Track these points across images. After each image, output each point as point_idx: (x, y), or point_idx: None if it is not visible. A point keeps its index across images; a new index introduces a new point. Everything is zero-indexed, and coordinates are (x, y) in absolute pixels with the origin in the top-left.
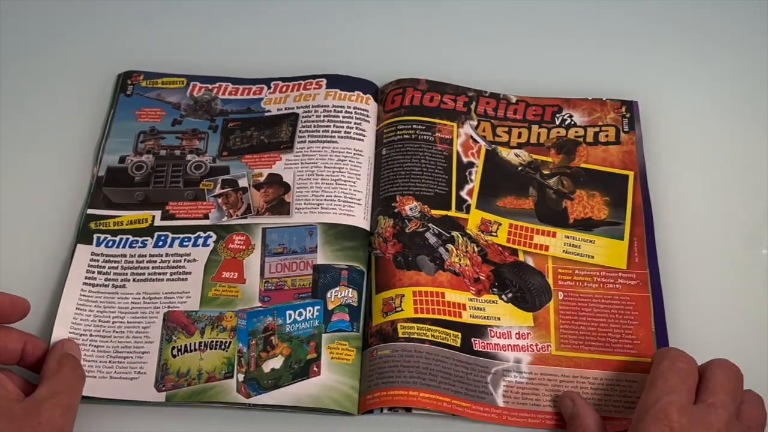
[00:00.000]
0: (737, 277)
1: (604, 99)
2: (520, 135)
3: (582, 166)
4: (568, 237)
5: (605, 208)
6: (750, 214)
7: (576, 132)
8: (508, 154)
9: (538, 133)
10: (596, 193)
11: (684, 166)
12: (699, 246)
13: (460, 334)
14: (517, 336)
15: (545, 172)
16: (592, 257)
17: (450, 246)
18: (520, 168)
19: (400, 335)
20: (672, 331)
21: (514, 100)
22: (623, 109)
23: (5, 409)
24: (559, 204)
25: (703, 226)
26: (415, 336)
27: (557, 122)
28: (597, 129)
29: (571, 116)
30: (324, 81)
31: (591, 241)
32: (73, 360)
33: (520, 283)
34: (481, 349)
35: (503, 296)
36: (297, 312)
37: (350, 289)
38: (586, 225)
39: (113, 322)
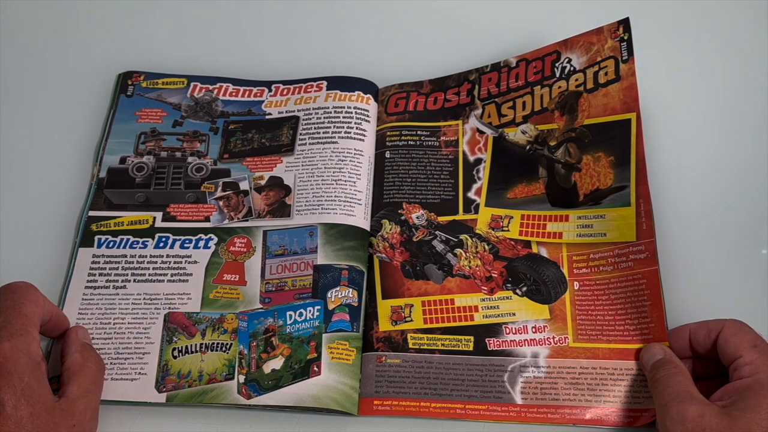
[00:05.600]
0: (736, 276)
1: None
2: (524, 105)
3: (585, 123)
4: (580, 218)
5: (611, 171)
6: (749, 213)
7: (576, 80)
8: (515, 134)
9: (541, 96)
10: (601, 154)
11: (684, 164)
12: (699, 246)
13: (472, 338)
14: (534, 330)
15: (552, 143)
16: (605, 235)
17: (458, 250)
18: (528, 147)
19: (411, 346)
20: (672, 319)
21: (514, 63)
22: (620, 30)
23: (49, 405)
24: (569, 180)
25: (703, 227)
26: (425, 347)
27: (557, 73)
28: (596, 68)
29: (569, 60)
30: (324, 83)
31: (601, 216)
32: (94, 351)
33: (534, 276)
34: (496, 348)
35: (517, 291)
36: (297, 312)
37: (350, 289)
38: (595, 198)
39: (114, 323)
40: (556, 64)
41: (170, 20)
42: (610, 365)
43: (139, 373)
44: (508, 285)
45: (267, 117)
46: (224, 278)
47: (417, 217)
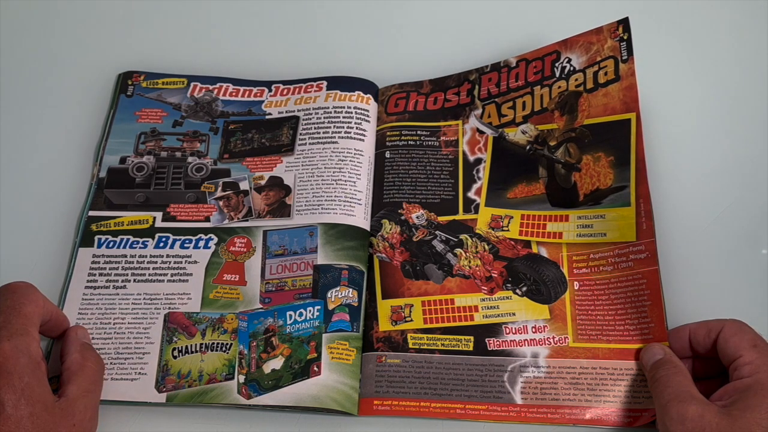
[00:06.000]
0: (736, 276)
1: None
2: (524, 105)
3: (585, 123)
4: (580, 218)
5: (611, 171)
6: (749, 213)
7: (576, 80)
8: (515, 134)
9: (541, 96)
10: (601, 154)
11: (684, 164)
12: (700, 246)
13: (472, 338)
14: (534, 330)
15: (552, 143)
16: (605, 235)
17: (458, 250)
18: (528, 147)
19: (411, 346)
20: (672, 319)
21: (514, 63)
22: (620, 29)
23: (49, 405)
24: (569, 180)
25: (703, 227)
26: (425, 347)
27: (557, 73)
28: (596, 68)
29: (569, 60)
30: (324, 83)
31: (602, 216)
32: (93, 351)
33: (534, 276)
34: (496, 348)
35: (517, 291)
36: (297, 312)
37: (350, 289)
38: (595, 198)
39: (114, 323)
40: (556, 64)
41: (170, 20)
42: (610, 365)
43: (139, 373)
44: (508, 285)
45: (267, 117)
46: (224, 278)
47: (417, 217)
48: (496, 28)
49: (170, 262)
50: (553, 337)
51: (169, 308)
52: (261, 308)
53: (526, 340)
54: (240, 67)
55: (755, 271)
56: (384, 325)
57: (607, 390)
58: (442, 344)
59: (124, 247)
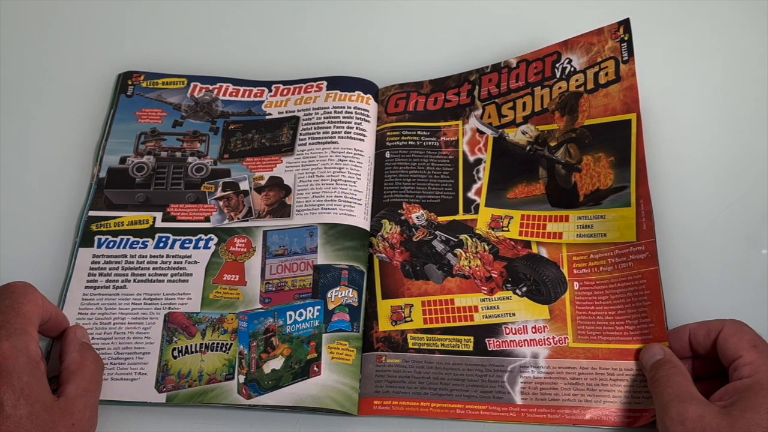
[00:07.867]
0: (736, 276)
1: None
2: (524, 106)
3: (586, 124)
4: (580, 218)
5: (611, 171)
6: (749, 213)
7: (577, 80)
8: (515, 134)
9: (541, 96)
10: (601, 154)
11: (684, 165)
12: (700, 246)
13: (472, 338)
14: (533, 330)
15: (552, 144)
16: (605, 235)
17: (458, 250)
18: (528, 148)
19: (411, 346)
20: (672, 319)
21: (515, 64)
22: (621, 30)
23: (48, 404)
24: (569, 180)
25: (703, 227)
26: (425, 347)
27: (558, 74)
28: (596, 69)
29: (570, 61)
30: (324, 83)
31: (602, 217)
32: (93, 350)
33: (534, 276)
34: (496, 348)
35: (517, 291)
36: (297, 312)
37: (350, 289)
38: (596, 198)
39: (114, 324)
40: (557, 65)
41: (170, 20)
42: (610, 365)
43: (139, 373)
44: (508, 285)
45: (267, 117)
46: (224, 278)
47: (417, 217)
48: (496, 28)
49: (170, 262)
50: (553, 338)
51: (169, 308)
52: (261, 308)
53: (526, 340)
54: (240, 67)
55: (755, 271)
56: (384, 325)
57: (607, 390)
58: (442, 344)
59: (124, 247)
